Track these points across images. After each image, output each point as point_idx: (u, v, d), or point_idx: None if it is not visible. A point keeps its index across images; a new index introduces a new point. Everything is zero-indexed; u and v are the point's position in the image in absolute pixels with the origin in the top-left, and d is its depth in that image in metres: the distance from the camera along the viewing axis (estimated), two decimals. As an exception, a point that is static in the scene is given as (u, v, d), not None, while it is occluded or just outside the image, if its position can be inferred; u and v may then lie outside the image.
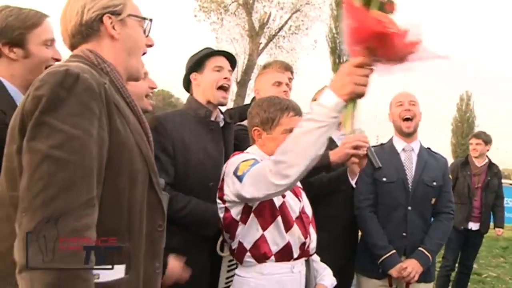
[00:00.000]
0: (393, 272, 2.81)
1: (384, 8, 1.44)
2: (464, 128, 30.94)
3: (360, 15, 1.41)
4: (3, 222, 1.20)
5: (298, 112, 2.11)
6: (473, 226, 5.22)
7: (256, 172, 1.77)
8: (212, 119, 2.50)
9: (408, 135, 3.02)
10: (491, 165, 5.41)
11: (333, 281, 2.23)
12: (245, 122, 2.74)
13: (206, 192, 2.31)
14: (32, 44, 1.74)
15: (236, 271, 2.09)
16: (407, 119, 2.99)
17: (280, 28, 20.54)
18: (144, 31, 1.48)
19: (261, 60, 20.53)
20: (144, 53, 1.49)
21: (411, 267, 2.79)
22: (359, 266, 3.02)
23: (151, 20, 1.48)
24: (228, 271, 2.42)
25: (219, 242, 2.35)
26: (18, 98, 1.70)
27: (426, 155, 3.04)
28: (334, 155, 2.50)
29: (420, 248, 2.85)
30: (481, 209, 5.25)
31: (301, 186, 2.24)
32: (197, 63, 2.52)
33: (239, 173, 1.86)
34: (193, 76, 2.55)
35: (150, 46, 1.51)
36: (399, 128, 3.03)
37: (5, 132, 1.53)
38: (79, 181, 1.10)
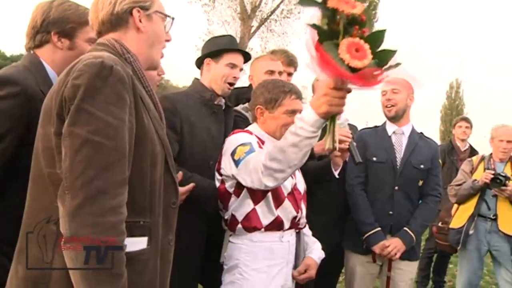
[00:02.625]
0: (376, 248, 2.92)
1: (356, 25, 1.43)
2: (453, 115, 31.17)
3: (323, 58, 1.41)
4: (43, 194, 1.33)
5: (299, 96, 2.26)
6: (462, 210, 5.34)
7: (250, 165, 1.96)
8: (216, 102, 2.59)
9: (392, 119, 3.12)
10: (472, 150, 5.50)
11: (321, 254, 2.36)
12: (239, 107, 2.86)
13: (207, 170, 2.41)
14: (79, 39, 1.91)
15: (230, 238, 2.22)
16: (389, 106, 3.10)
17: (272, 12, 20.38)
18: (165, 27, 1.59)
19: (253, 44, 20.44)
20: (163, 47, 1.62)
21: (393, 245, 2.90)
22: (347, 242, 3.12)
23: (173, 18, 1.60)
24: None
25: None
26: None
27: (417, 139, 3.12)
28: (318, 147, 2.65)
29: (405, 228, 2.95)
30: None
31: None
32: (215, 52, 2.60)
33: (235, 157, 2.05)
34: (207, 60, 2.63)
35: (168, 41, 1.63)
36: (384, 112, 3.16)
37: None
38: (115, 163, 1.24)
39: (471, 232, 3.89)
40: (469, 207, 3.96)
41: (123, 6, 1.47)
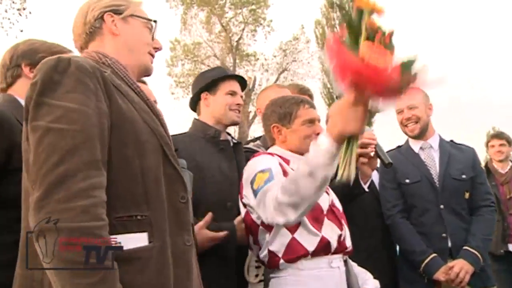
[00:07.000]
0: (440, 275, 2.56)
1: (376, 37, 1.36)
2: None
3: (341, 54, 1.35)
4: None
5: (312, 105, 2.15)
6: (512, 247, 4.35)
7: (266, 199, 1.76)
8: (222, 138, 2.43)
9: (417, 137, 2.88)
10: None
11: (377, 284, 2.13)
12: (250, 145, 2.74)
13: (225, 212, 2.22)
14: None
15: (271, 274, 1.97)
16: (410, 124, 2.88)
17: (267, 94, 20.60)
18: (152, 34, 1.58)
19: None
20: (152, 56, 1.58)
21: (458, 266, 2.54)
22: (403, 280, 2.75)
23: (155, 21, 1.58)
24: None
25: (246, 266, 2.25)
26: None
27: (449, 148, 2.87)
28: None
29: (464, 247, 2.61)
30: (520, 224, 4.39)
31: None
32: (210, 84, 2.47)
33: (254, 187, 1.87)
34: (203, 95, 2.48)
35: (158, 49, 1.60)
36: (405, 132, 2.94)
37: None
38: (80, 145, 1.17)
39: None
40: None
41: (94, 13, 1.49)
